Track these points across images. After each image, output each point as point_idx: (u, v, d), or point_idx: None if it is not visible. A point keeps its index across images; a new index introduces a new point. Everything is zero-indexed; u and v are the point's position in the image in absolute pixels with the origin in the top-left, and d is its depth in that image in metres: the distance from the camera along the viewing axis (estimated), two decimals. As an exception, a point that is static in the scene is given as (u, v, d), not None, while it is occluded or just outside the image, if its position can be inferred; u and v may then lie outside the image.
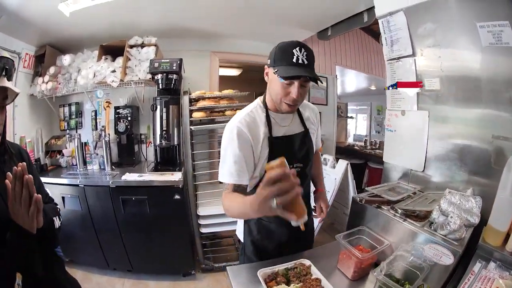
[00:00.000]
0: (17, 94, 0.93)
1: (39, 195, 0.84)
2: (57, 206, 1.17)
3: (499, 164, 1.26)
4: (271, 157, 1.17)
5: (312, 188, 1.59)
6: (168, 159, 2.70)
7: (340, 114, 5.21)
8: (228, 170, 1.14)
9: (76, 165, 2.69)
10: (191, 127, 2.62)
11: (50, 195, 1.21)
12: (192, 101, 2.74)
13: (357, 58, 4.49)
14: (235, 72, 5.11)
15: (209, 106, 2.63)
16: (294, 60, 1.03)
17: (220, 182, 1.22)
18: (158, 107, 2.56)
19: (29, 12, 2.24)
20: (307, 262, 1.32)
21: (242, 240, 1.44)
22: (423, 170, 1.71)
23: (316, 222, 2.51)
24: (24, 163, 0.82)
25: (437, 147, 1.63)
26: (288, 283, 1.21)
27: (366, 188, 1.67)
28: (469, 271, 1.03)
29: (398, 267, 1.11)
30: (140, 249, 2.50)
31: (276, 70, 1.06)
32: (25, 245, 0.85)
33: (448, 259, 1.09)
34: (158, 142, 2.57)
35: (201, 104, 2.63)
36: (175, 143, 2.62)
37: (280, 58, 1.06)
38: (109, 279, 2.53)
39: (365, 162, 5.02)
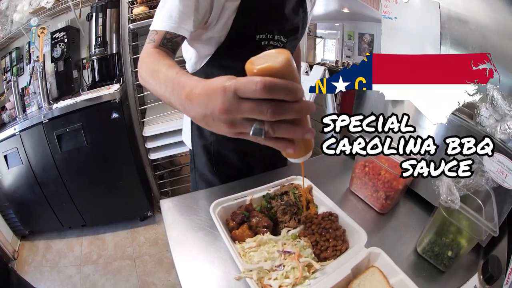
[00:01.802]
0: None
1: None
2: None
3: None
4: (243, 12, 0.84)
5: None
6: (107, 74, 2.31)
7: (308, 33, 4.75)
8: (167, 12, 0.78)
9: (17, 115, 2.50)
10: (130, 25, 2.15)
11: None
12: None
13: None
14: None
15: (152, -5, 2.19)
16: None
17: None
18: (94, 14, 2.19)
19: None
20: (305, 181, 0.78)
21: (190, 146, 1.11)
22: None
23: None
24: None
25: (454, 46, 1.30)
26: (275, 227, 0.68)
27: None
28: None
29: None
30: (87, 197, 2.27)
31: None
32: None
33: (513, 181, 0.76)
34: (92, 52, 2.23)
35: (143, -2, 2.21)
36: (114, 51, 2.22)
37: None
38: (67, 242, 2.35)
39: (337, 82, 4.97)
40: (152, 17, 2.12)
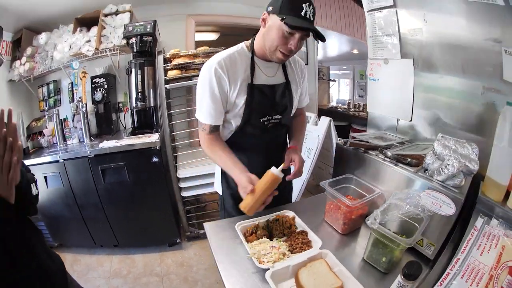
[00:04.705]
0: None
1: (20, 144, 0.74)
2: (34, 176, 1.01)
3: (490, 117, 1.18)
4: (249, 105, 1.16)
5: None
6: (145, 122, 2.60)
7: (321, 77, 5.13)
8: (207, 111, 1.16)
9: (57, 142, 2.60)
10: (166, 86, 2.51)
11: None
12: (167, 61, 2.64)
13: (339, 21, 4.20)
14: (212, 36, 4.85)
15: (184, 62, 2.50)
16: (302, 13, 1.03)
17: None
18: (133, 70, 2.47)
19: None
20: (290, 213, 1.21)
21: (220, 193, 1.38)
22: (411, 120, 1.58)
23: (300, 182, 2.40)
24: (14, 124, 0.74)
25: (424, 98, 1.53)
26: (270, 237, 1.11)
27: (350, 135, 1.54)
28: (471, 226, 0.91)
29: (393, 218, 0.98)
30: (124, 221, 2.46)
31: (283, 17, 1.04)
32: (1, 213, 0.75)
33: (449, 209, 0.97)
34: (133, 104, 2.50)
35: (175, 62, 2.51)
36: (151, 104, 2.53)
37: (289, 8, 1.04)
38: (97, 258, 2.48)
39: (349, 124, 4.83)
40: (183, 79, 2.57)
